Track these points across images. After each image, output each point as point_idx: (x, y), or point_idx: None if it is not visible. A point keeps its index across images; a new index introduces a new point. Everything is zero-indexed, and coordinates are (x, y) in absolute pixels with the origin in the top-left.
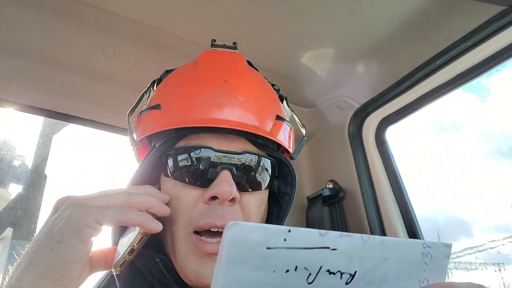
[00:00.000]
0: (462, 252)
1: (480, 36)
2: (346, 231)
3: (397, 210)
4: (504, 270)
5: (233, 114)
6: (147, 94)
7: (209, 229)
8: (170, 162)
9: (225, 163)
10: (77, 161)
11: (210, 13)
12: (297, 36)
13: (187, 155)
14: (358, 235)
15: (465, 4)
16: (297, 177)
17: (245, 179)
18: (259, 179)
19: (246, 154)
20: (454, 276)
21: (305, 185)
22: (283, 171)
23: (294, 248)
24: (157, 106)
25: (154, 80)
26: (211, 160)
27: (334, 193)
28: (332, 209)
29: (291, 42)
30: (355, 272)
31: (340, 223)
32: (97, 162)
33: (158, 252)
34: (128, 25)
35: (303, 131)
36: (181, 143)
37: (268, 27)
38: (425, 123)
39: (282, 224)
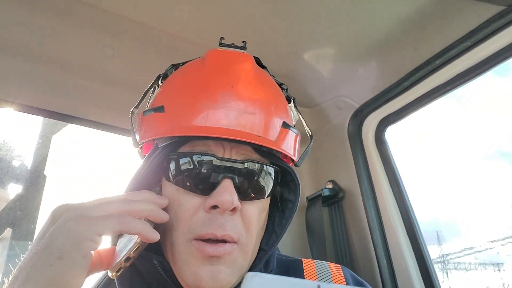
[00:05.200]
0: (462, 253)
1: (480, 36)
2: (346, 231)
3: (397, 210)
4: (504, 270)
5: (238, 123)
6: (152, 90)
7: (210, 239)
8: (172, 166)
9: (227, 172)
10: (77, 162)
11: (210, 13)
12: (297, 36)
13: (189, 161)
14: None
15: (464, 4)
16: (300, 184)
17: (247, 188)
18: (261, 187)
19: (249, 162)
20: (454, 276)
21: (305, 186)
22: (286, 178)
23: None
24: (160, 109)
25: (160, 75)
26: (213, 167)
27: (334, 193)
28: (331, 210)
29: (290, 42)
30: None
31: (339, 224)
32: (97, 162)
33: (157, 252)
34: (127, 25)
35: (309, 135)
36: (185, 148)
37: (267, 26)
38: (426, 124)
39: (284, 231)
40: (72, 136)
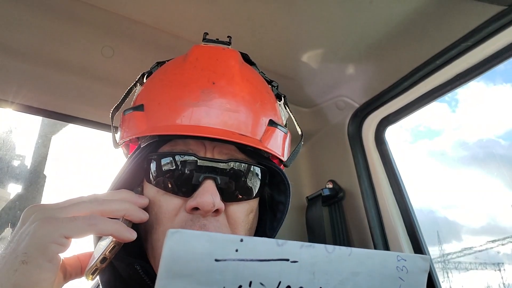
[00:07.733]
0: (462, 252)
1: (480, 36)
2: (346, 231)
3: (397, 210)
4: (504, 270)
5: (220, 121)
6: (135, 88)
7: None
8: (152, 167)
9: (209, 172)
10: (76, 162)
11: (209, 13)
12: (297, 36)
13: (169, 162)
14: (322, 245)
15: (464, 4)
16: (291, 185)
17: (231, 189)
18: (246, 188)
19: (232, 162)
20: (455, 276)
21: (305, 185)
22: (275, 179)
23: (247, 260)
24: (140, 107)
25: (144, 73)
26: (195, 168)
27: (334, 193)
28: (331, 209)
29: (290, 42)
30: None
31: (340, 223)
32: (96, 163)
33: (140, 256)
34: (127, 25)
35: (300, 134)
36: (165, 148)
37: (267, 27)
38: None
39: (275, 234)
40: (72, 136)
